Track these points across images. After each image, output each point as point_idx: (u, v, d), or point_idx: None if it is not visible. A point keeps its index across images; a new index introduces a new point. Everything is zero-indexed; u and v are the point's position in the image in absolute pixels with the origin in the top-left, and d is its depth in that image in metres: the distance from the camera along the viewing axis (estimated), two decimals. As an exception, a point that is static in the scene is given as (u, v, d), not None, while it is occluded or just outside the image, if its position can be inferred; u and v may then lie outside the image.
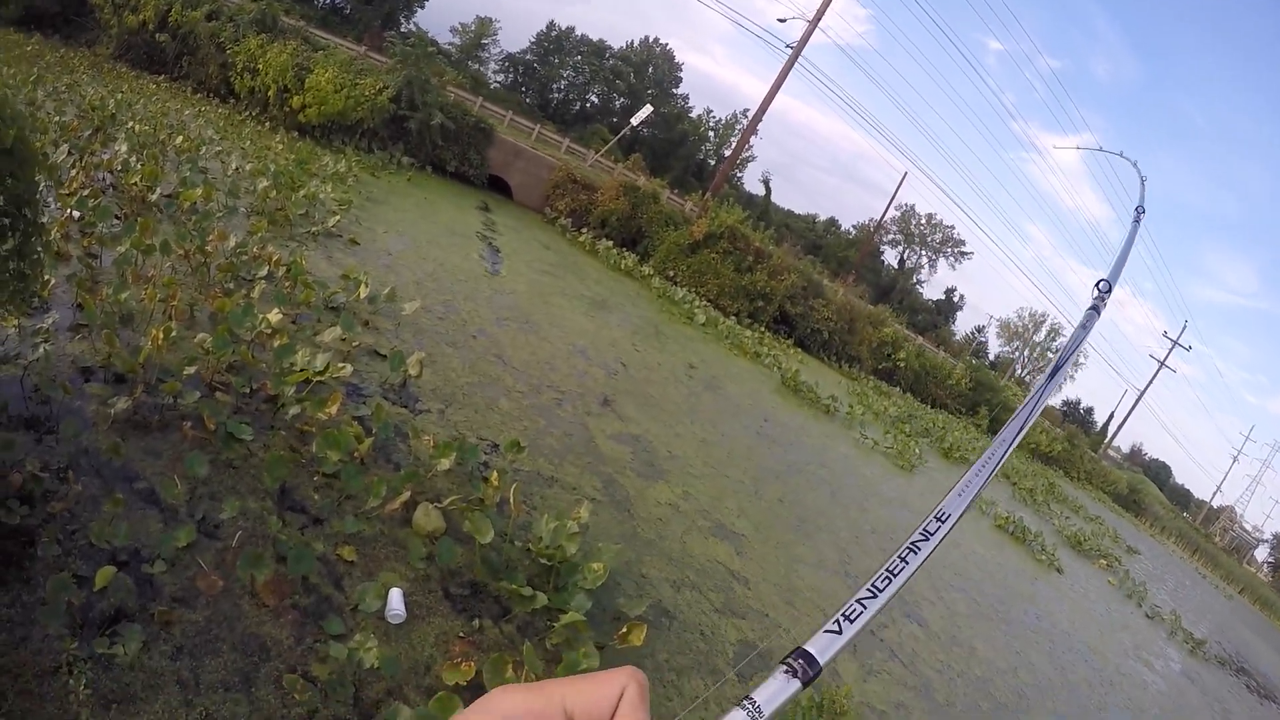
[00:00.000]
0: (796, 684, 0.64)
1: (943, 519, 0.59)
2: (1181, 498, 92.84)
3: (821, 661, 0.69)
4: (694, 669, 5.29)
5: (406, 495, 5.15)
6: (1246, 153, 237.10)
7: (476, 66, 62.00)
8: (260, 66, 22.92)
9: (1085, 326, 0.84)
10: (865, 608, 0.74)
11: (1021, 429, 0.69)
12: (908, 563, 0.80)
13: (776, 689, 0.62)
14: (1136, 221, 1.31)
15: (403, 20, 57.49)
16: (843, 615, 0.74)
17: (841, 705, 5.38)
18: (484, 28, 64.13)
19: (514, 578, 4.86)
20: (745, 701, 0.58)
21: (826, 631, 0.73)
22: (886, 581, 0.76)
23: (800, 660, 0.68)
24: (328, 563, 4.44)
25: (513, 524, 5.59)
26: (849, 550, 9.40)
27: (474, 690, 3.94)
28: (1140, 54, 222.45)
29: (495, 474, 5.85)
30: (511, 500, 5.53)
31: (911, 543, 0.80)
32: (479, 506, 5.55)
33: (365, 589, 4.17)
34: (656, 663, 5.11)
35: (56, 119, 12.34)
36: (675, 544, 7.01)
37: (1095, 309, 0.86)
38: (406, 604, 4.34)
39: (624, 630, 4.68)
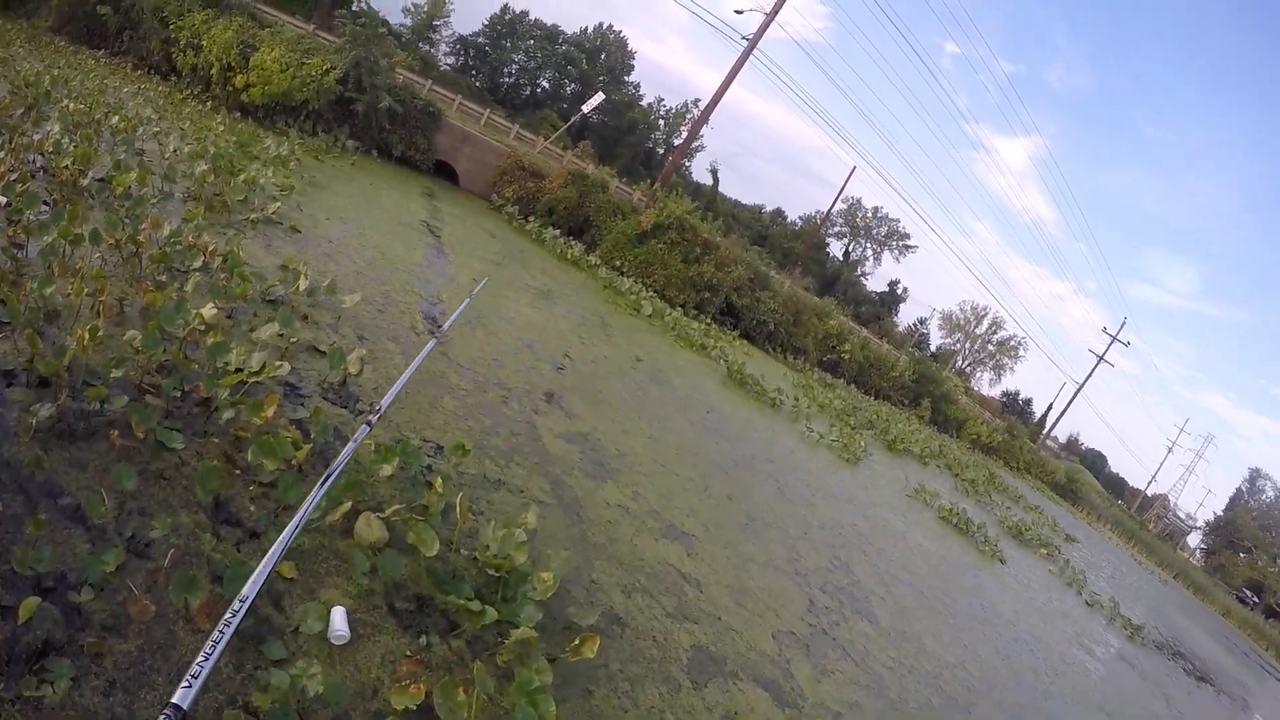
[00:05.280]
0: None
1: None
2: (1117, 486, 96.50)
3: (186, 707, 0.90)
4: (648, 677, 5.23)
5: (348, 505, 4.95)
6: (1194, 162, 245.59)
7: (427, 48, 60.88)
8: (204, 43, 22.11)
9: None
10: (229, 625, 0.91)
11: None
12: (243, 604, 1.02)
13: None
14: None
15: (351, -2, 56.03)
16: (204, 655, 0.92)
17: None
18: (437, 8, 62.87)
19: (461, 590, 4.72)
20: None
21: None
22: (242, 603, 0.91)
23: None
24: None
25: (459, 532, 5.44)
26: (798, 547, 9.44)
27: (424, 714, 3.81)
28: (1093, 64, 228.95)
29: (439, 479, 5.68)
30: (457, 508, 5.37)
31: None
32: (423, 515, 5.37)
33: (307, 609, 4.00)
34: (610, 673, 5.04)
35: (-14, 96, 11.67)
36: (626, 547, 6.94)
37: None
38: (350, 623, 4.17)
39: (576, 642, 4.58)
